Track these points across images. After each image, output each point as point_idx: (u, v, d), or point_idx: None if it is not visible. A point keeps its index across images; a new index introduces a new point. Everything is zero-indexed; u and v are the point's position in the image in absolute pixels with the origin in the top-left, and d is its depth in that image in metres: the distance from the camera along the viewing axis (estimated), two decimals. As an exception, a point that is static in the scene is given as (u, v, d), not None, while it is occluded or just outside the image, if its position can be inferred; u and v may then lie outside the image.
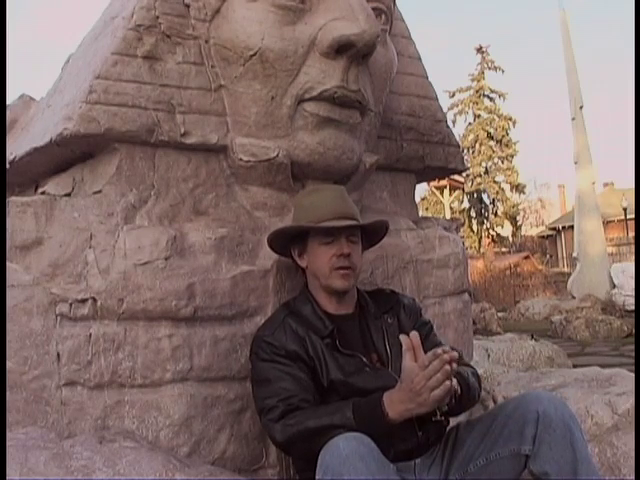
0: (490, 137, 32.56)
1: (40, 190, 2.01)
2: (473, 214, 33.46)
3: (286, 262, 1.93)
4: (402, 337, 1.54)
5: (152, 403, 1.75)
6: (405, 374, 1.49)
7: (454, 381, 1.52)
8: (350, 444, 1.39)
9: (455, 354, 1.49)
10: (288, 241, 1.85)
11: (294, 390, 1.62)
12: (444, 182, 24.90)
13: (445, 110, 2.70)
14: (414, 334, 1.53)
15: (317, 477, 1.42)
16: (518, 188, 32.99)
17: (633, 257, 13.72)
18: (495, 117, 32.61)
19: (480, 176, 32.37)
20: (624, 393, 2.18)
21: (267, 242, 1.87)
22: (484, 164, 32.55)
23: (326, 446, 1.42)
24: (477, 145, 32.60)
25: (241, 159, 1.95)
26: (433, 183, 24.13)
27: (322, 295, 1.81)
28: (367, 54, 1.91)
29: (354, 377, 1.69)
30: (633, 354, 6.34)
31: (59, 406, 1.72)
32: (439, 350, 1.47)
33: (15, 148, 2.13)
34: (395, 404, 1.50)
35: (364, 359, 1.73)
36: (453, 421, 1.84)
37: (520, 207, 33.89)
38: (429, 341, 1.85)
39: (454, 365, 1.48)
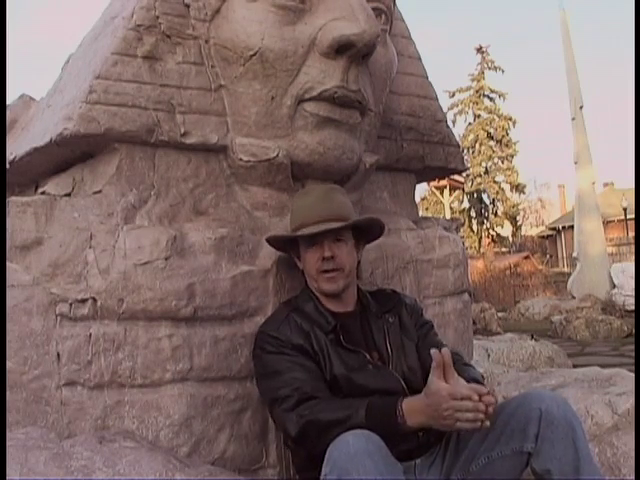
0: (490, 137, 32.56)
1: (40, 190, 2.01)
2: (473, 214, 33.45)
3: (286, 262, 1.93)
4: (434, 352, 1.49)
5: (152, 403, 1.75)
6: (431, 391, 1.47)
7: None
8: (359, 441, 1.39)
9: (493, 400, 1.46)
10: (285, 246, 1.88)
11: (306, 379, 1.63)
12: (444, 182, 24.90)
13: (445, 110, 2.70)
14: (446, 351, 1.50)
15: (324, 472, 1.41)
16: (518, 188, 33.00)
17: (633, 257, 13.71)
18: (495, 117, 32.62)
19: (480, 176, 32.37)
20: (624, 393, 2.18)
21: (267, 243, 1.89)
22: (484, 164, 32.56)
23: (334, 442, 1.42)
24: (477, 145, 32.60)
25: (241, 159, 1.95)
26: (433, 183, 24.13)
27: (320, 294, 1.82)
28: (367, 54, 1.91)
29: (356, 373, 1.69)
30: (633, 354, 6.34)
31: (59, 406, 1.72)
32: (475, 395, 1.44)
33: (15, 148, 2.13)
34: (416, 414, 1.49)
35: (367, 356, 1.74)
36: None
37: (520, 207, 33.90)
38: (429, 341, 1.86)
39: (490, 409, 1.45)
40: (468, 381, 1.54)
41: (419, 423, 1.49)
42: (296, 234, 1.80)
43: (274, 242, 1.88)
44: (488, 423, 1.46)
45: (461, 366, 1.74)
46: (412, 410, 1.49)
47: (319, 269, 1.77)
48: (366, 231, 1.90)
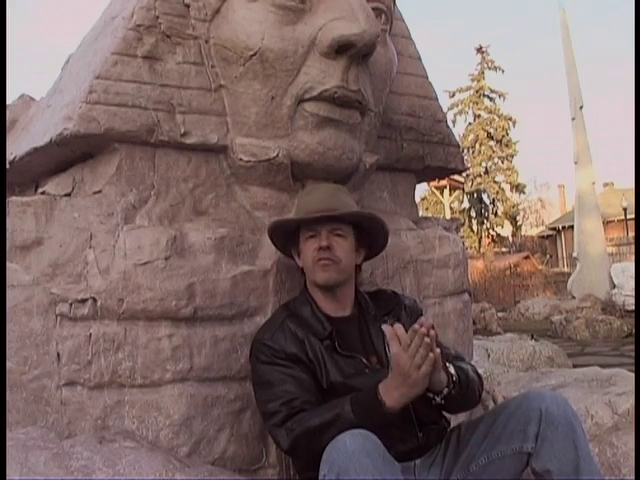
0: (490, 137, 32.56)
1: (40, 190, 2.01)
2: (473, 214, 33.45)
3: (286, 262, 1.93)
4: (385, 327, 1.54)
5: (152, 403, 1.75)
6: (394, 361, 1.50)
7: (450, 368, 1.58)
8: (356, 441, 1.39)
9: (431, 321, 1.51)
10: (287, 241, 1.86)
11: (296, 392, 1.63)
12: (444, 182, 24.91)
13: (445, 110, 2.69)
14: (397, 325, 1.54)
15: (322, 472, 1.41)
16: (518, 188, 32.99)
17: (633, 257, 13.71)
18: (495, 117, 32.61)
19: (480, 176, 32.36)
20: (624, 393, 2.18)
21: (269, 238, 1.88)
22: (484, 164, 32.55)
23: (332, 442, 1.42)
24: (477, 145, 32.60)
25: (241, 159, 1.95)
26: (433, 183, 24.12)
27: (319, 295, 1.80)
28: (367, 54, 1.91)
29: (354, 379, 1.69)
30: (633, 354, 6.35)
31: (59, 406, 1.72)
32: (416, 325, 1.49)
33: (15, 148, 2.13)
34: (390, 391, 1.50)
35: (364, 360, 1.73)
36: (454, 422, 1.84)
37: (520, 207, 33.89)
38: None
39: (432, 332, 1.48)
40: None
41: (396, 399, 1.50)
42: (295, 218, 1.81)
43: (277, 238, 1.86)
44: (439, 350, 1.51)
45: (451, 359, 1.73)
46: (386, 389, 1.51)
47: (315, 258, 1.76)
48: (368, 232, 1.87)
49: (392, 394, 1.50)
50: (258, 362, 1.71)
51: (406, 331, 1.82)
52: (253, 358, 1.74)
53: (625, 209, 23.72)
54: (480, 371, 1.85)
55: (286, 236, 1.85)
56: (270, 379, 1.66)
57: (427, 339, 1.47)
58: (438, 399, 1.62)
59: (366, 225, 1.85)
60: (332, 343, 1.73)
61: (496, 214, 33.15)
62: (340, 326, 1.77)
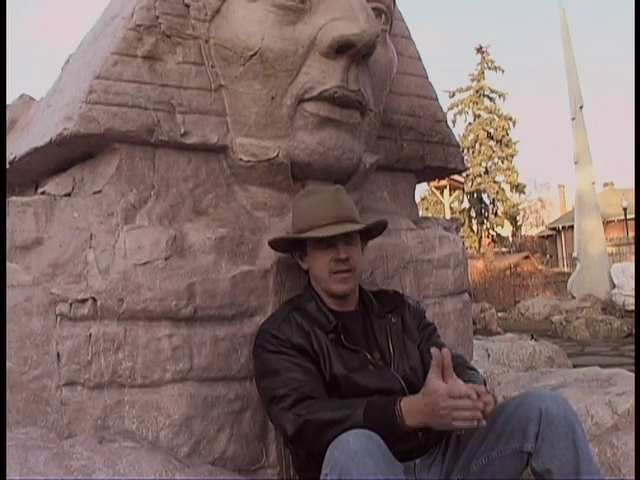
0: (490, 137, 32.57)
1: (40, 190, 2.01)
2: (473, 214, 33.46)
3: (286, 262, 1.93)
4: (434, 351, 1.49)
5: (152, 403, 1.75)
6: (429, 390, 1.46)
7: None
8: (359, 440, 1.39)
9: (491, 400, 1.45)
10: (289, 245, 1.87)
11: (304, 380, 1.63)
12: (444, 182, 24.92)
13: (445, 110, 2.70)
14: (446, 351, 1.49)
15: (324, 472, 1.42)
16: (518, 188, 33.01)
17: (633, 257, 13.71)
18: (495, 117, 32.62)
19: (480, 176, 32.38)
20: (624, 393, 2.18)
21: (268, 245, 1.89)
22: (484, 164, 32.57)
23: (335, 441, 1.42)
24: (477, 145, 32.61)
25: (241, 159, 1.95)
26: (433, 183, 24.13)
27: (324, 294, 1.82)
28: (367, 54, 1.91)
29: (357, 373, 1.69)
30: (633, 354, 6.35)
31: (59, 406, 1.72)
32: (473, 394, 1.43)
33: (15, 148, 2.13)
34: (414, 414, 1.48)
35: (368, 356, 1.74)
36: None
37: (520, 207, 33.91)
38: (431, 343, 1.86)
39: (488, 409, 1.43)
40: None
41: (417, 423, 1.49)
42: (309, 236, 1.78)
43: (278, 245, 1.88)
44: (484, 422, 1.44)
45: (465, 369, 1.74)
46: (410, 410, 1.49)
47: (332, 270, 1.76)
48: (369, 232, 1.90)
49: (415, 417, 1.48)
50: (264, 351, 1.71)
51: (411, 332, 1.84)
52: (258, 348, 1.74)
53: (625, 209, 23.72)
54: (480, 371, 1.86)
55: (288, 243, 1.87)
56: (277, 367, 1.66)
57: (479, 413, 1.41)
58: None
59: (374, 228, 1.89)
60: (337, 336, 1.73)
61: (496, 214, 33.16)
62: (345, 320, 1.78)
